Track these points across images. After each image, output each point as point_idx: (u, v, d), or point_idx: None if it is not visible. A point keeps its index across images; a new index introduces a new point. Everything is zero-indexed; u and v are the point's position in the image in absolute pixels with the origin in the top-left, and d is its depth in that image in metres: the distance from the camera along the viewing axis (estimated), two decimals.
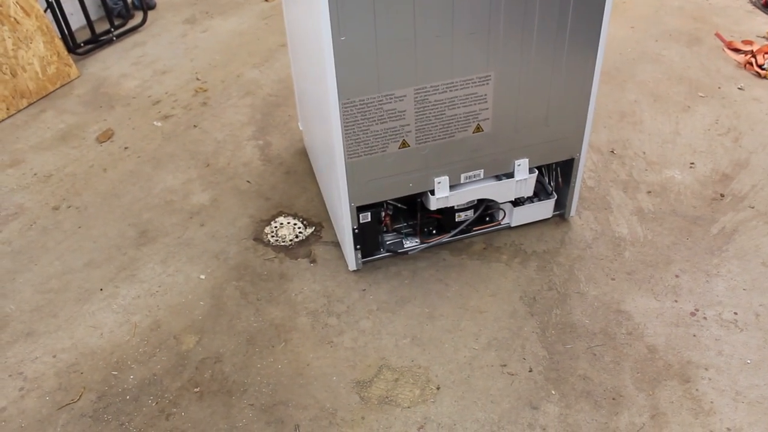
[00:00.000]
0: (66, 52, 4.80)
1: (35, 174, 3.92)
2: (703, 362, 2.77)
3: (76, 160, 4.03)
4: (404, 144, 2.78)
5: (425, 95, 2.67)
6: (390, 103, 2.65)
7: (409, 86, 2.63)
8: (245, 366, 2.81)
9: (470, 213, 3.19)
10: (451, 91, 2.70)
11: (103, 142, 4.17)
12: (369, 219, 3.00)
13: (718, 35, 5.01)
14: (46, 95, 4.64)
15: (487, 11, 2.55)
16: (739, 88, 4.43)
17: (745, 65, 4.65)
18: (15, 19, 4.43)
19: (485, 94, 2.76)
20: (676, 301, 3.02)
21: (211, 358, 2.85)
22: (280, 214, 3.56)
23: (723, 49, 4.87)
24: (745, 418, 2.56)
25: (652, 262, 3.21)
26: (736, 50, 4.83)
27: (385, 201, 3.04)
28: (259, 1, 5.84)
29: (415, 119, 2.73)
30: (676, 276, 3.14)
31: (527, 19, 2.62)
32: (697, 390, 2.67)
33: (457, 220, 3.19)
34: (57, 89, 4.71)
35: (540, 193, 3.32)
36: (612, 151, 3.90)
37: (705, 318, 2.95)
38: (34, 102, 4.58)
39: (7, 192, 3.79)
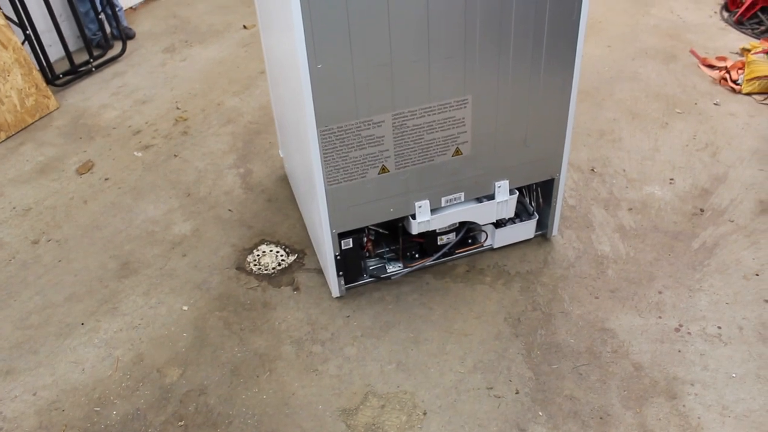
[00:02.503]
0: (44, 84, 4.78)
1: (14, 208, 3.89)
2: (688, 378, 2.77)
3: (56, 192, 4.00)
4: (384, 169, 2.79)
5: (403, 120, 2.68)
6: (368, 129, 2.65)
7: (386, 112, 2.64)
8: (230, 397, 2.78)
9: (452, 236, 3.19)
10: (429, 115, 2.71)
11: (83, 173, 4.15)
12: (351, 245, 3.00)
13: (692, 52, 5.09)
14: (25, 128, 4.62)
15: (462, 35, 2.57)
16: (715, 104, 4.48)
17: (720, 81, 4.72)
18: None
19: (463, 118, 2.77)
20: (660, 317, 3.03)
21: (196, 391, 2.82)
22: (262, 242, 3.54)
23: (698, 66, 4.93)
24: None
25: (635, 279, 3.22)
26: (711, 66, 4.89)
27: (367, 226, 3.04)
28: (239, 28, 5.86)
29: (394, 144, 2.73)
30: (660, 292, 3.15)
31: (502, 42, 2.64)
32: (684, 406, 2.66)
33: (439, 243, 3.18)
34: (36, 121, 4.69)
35: (521, 213, 3.33)
36: (592, 170, 3.92)
37: (689, 333, 2.95)
38: (13, 135, 4.55)
39: None
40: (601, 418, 2.64)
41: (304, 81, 2.46)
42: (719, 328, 2.97)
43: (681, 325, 2.99)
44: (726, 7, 5.70)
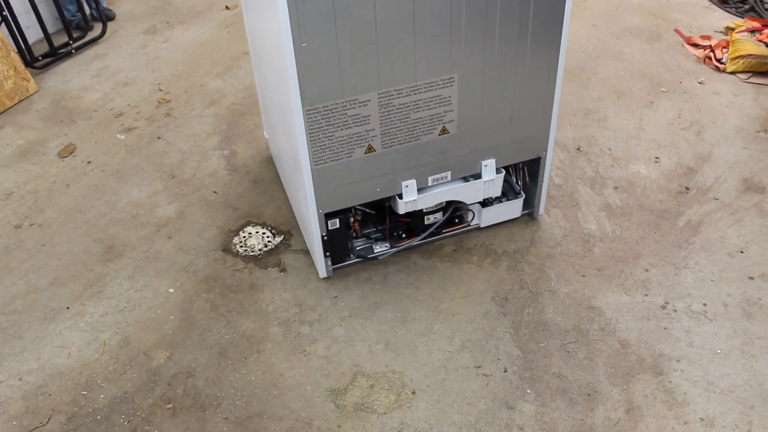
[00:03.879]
0: (23, 67, 4.71)
1: None
2: (674, 354, 2.79)
3: (38, 176, 3.94)
4: (370, 149, 2.77)
5: (389, 99, 2.66)
6: (354, 108, 2.63)
7: (372, 91, 2.62)
8: (218, 379, 2.77)
9: (439, 215, 3.18)
10: (415, 94, 2.69)
11: (65, 157, 4.09)
12: (338, 225, 2.98)
13: (677, 31, 5.09)
14: (4, 111, 4.55)
15: (448, 13, 2.55)
16: (699, 83, 4.49)
17: (704, 60, 4.73)
18: None
19: (449, 96, 2.76)
20: (646, 295, 3.05)
21: (183, 373, 2.81)
22: (248, 223, 3.52)
23: (682, 45, 4.94)
24: (718, 407, 2.59)
25: (621, 257, 3.23)
26: (695, 45, 4.90)
27: (354, 206, 3.02)
28: (221, 9, 5.79)
29: (380, 124, 2.71)
30: (646, 270, 3.17)
31: (489, 20, 2.63)
32: (670, 382, 2.69)
33: (426, 222, 3.18)
34: (15, 104, 4.61)
35: (508, 192, 3.33)
36: (578, 149, 3.92)
37: (675, 310, 2.97)
38: None
39: None
40: (588, 395, 2.65)
41: (289, 60, 2.43)
42: (704, 305, 2.99)
43: (667, 303, 3.01)
44: None
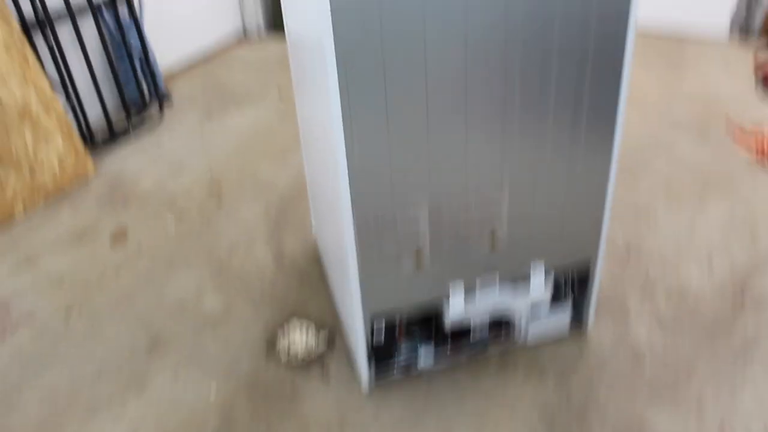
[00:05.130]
0: (83, 149, 4.87)
1: (48, 276, 3.92)
2: None
3: (89, 261, 4.03)
4: (418, 254, 2.75)
5: (439, 204, 2.65)
6: (404, 212, 2.62)
7: (423, 197, 2.61)
8: None
9: (486, 328, 3.12)
10: (465, 197, 2.68)
11: (117, 242, 4.18)
12: (383, 334, 2.95)
13: (729, 124, 5.03)
14: (63, 193, 4.69)
15: (500, 115, 2.53)
16: (752, 180, 4.40)
17: (757, 155, 4.64)
18: (36, 116, 4.52)
19: (499, 199, 2.73)
20: (701, 414, 2.92)
21: None
22: (292, 321, 3.50)
23: (734, 139, 4.87)
24: None
25: (673, 373, 3.12)
26: (748, 140, 4.83)
27: (399, 314, 2.99)
28: (276, 96, 5.95)
29: (429, 229, 2.70)
30: (700, 387, 3.04)
31: (541, 118, 2.60)
32: None
33: (473, 330, 3.12)
34: (74, 187, 4.76)
35: (556, 301, 3.26)
36: (627, 251, 3.85)
37: None
38: (51, 201, 4.62)
39: (19, 295, 3.78)
40: None
41: (342, 171, 2.44)
42: (766, 426, 2.85)
43: (724, 423, 2.88)
44: (762, 82, 5.65)
